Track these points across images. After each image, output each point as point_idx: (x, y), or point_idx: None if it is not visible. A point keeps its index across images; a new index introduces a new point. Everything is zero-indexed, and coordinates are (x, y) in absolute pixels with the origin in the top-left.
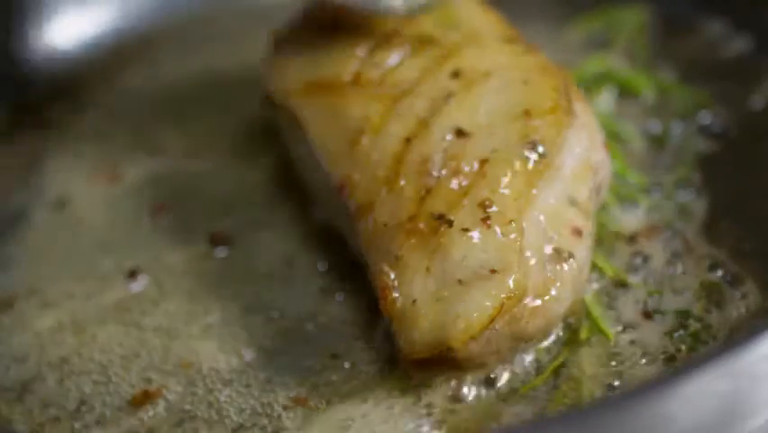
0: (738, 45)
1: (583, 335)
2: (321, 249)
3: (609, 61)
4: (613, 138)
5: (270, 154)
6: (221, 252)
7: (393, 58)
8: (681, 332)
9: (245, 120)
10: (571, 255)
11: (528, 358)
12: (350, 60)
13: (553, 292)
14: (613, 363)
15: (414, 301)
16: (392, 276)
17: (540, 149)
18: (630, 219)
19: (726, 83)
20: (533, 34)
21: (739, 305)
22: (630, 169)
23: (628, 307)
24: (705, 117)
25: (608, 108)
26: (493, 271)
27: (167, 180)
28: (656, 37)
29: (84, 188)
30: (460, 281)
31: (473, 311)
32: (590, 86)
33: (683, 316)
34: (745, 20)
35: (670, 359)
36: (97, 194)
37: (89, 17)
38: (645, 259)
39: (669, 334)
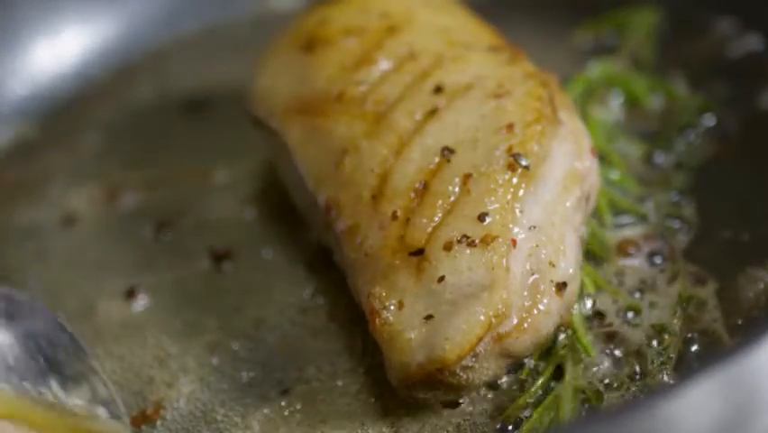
0: (747, 44)
1: (566, 350)
2: (319, 267)
3: (616, 65)
4: (614, 144)
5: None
6: (220, 268)
7: (376, 74)
8: (660, 346)
9: (251, 136)
10: (559, 269)
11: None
12: (333, 79)
13: (542, 308)
14: (595, 377)
15: (402, 323)
16: (380, 299)
17: (524, 161)
18: (623, 229)
19: (734, 83)
20: (541, 37)
21: (721, 319)
22: (629, 177)
23: (612, 319)
24: (710, 120)
25: (611, 114)
26: (480, 289)
27: (169, 198)
28: (665, 37)
29: (88, 206)
30: (447, 301)
31: (461, 331)
32: (595, 91)
33: (662, 330)
34: (755, 18)
35: (649, 373)
36: (101, 211)
37: (95, 32)
38: (635, 270)
39: (649, 346)
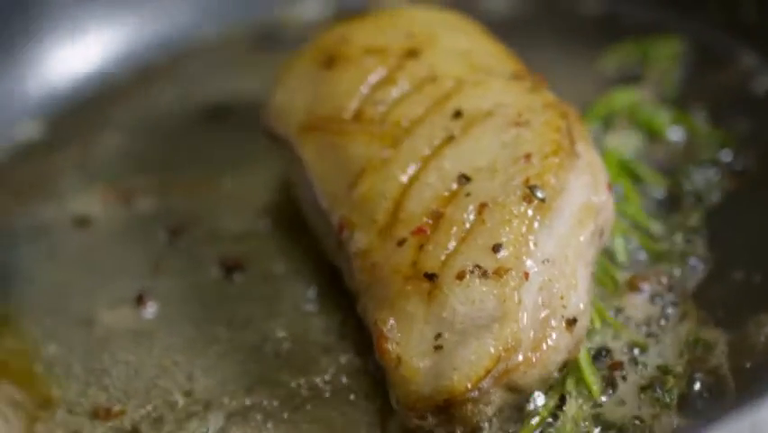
0: None
1: (570, 387)
2: (329, 285)
3: (638, 94)
4: (631, 178)
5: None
6: (231, 278)
7: (395, 94)
8: (659, 390)
9: (267, 147)
10: (570, 304)
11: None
12: (351, 97)
13: (551, 343)
14: (598, 413)
15: (409, 351)
16: (388, 325)
17: (540, 193)
18: (635, 264)
19: (756, 118)
20: (564, 62)
21: (728, 364)
22: (643, 212)
23: (618, 356)
24: (729, 155)
25: (630, 144)
26: (491, 321)
27: (183, 205)
28: (689, 67)
29: (101, 208)
30: (457, 331)
31: (470, 362)
32: (616, 119)
33: (668, 371)
34: None
35: (652, 413)
36: (114, 214)
37: (117, 34)
38: (644, 307)
39: (653, 385)
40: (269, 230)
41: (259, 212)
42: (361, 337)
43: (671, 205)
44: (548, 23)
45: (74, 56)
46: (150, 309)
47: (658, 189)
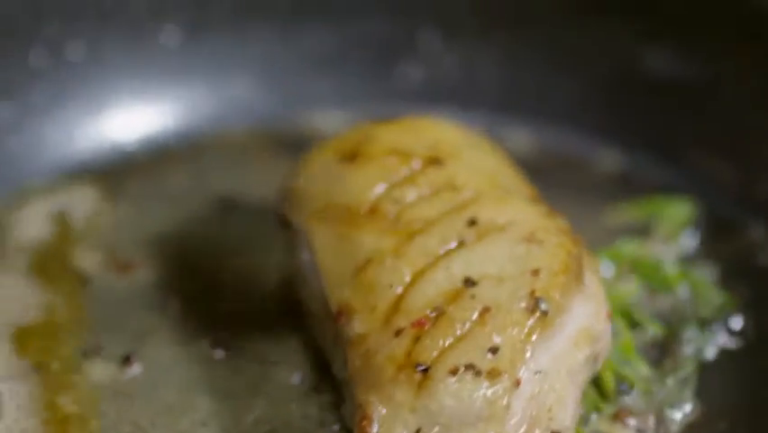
0: None
1: None
2: (318, 373)
3: (645, 248)
4: (630, 321)
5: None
6: (220, 353)
7: (413, 196)
8: None
9: (273, 235)
10: (557, 419)
11: None
12: (368, 192)
13: None
14: None
15: None
16: (374, 409)
17: (543, 306)
18: (623, 396)
19: (760, 289)
20: (575, 211)
21: None
22: (636, 353)
23: None
24: (729, 317)
25: (633, 291)
26: (477, 420)
27: (185, 277)
28: (699, 230)
29: (100, 270)
30: (441, 423)
31: None
32: (620, 267)
33: None
34: None
35: None
36: (113, 277)
37: (140, 115)
38: None
39: None
40: (264, 314)
41: (257, 296)
42: (341, 426)
43: (665, 350)
44: (563, 172)
45: (96, 126)
46: (136, 370)
47: (653, 336)
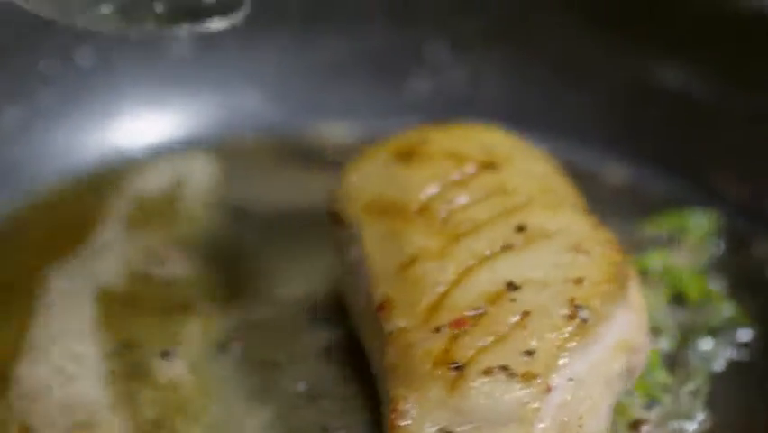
0: None
1: None
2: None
3: (671, 259)
4: (651, 331)
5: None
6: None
7: (464, 199)
8: None
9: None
10: (587, 427)
11: None
12: (421, 191)
13: None
14: None
15: (419, 430)
16: (407, 402)
17: (584, 314)
18: (639, 406)
19: None
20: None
21: None
22: (659, 365)
23: None
24: (739, 333)
25: (657, 301)
26: (507, 420)
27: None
28: (718, 244)
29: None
30: (470, 422)
31: None
32: (646, 277)
33: None
34: None
35: None
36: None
37: (154, 120)
38: None
39: None
40: (273, 319)
41: (266, 301)
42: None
43: (676, 361)
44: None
45: (105, 133)
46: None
47: (672, 345)
